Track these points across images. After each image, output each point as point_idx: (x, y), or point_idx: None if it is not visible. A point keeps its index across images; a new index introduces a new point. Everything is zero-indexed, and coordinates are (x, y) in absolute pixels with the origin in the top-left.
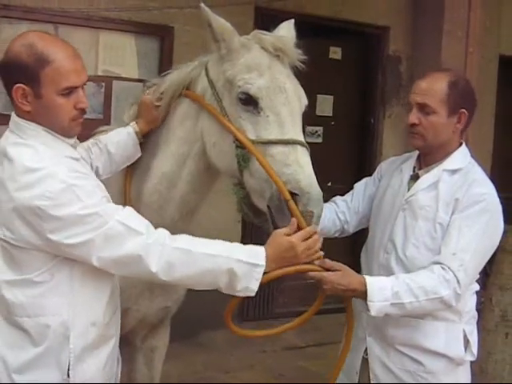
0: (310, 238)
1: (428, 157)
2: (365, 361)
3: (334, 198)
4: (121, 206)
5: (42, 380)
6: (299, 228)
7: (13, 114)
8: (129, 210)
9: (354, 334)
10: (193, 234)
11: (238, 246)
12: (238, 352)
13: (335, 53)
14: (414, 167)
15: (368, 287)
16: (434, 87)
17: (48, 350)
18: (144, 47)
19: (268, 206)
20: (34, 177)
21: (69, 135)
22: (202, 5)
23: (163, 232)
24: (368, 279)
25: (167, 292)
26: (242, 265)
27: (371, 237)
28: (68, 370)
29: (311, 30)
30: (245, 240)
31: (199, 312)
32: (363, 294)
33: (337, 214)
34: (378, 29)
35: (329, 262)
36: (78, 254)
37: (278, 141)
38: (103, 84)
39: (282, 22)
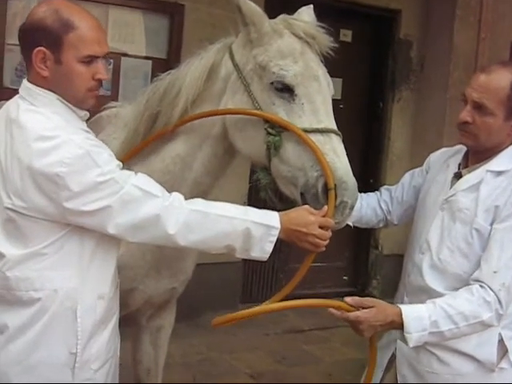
0: (326, 229)
1: (476, 155)
2: (391, 359)
3: (380, 188)
4: (133, 172)
5: (48, 357)
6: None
7: (24, 81)
8: (142, 175)
9: (386, 335)
10: None
11: (252, 209)
12: (241, 334)
13: (346, 35)
14: (460, 164)
15: (404, 318)
16: (494, 85)
17: (54, 324)
18: (153, 24)
19: (302, 194)
20: (50, 144)
21: (82, 106)
22: None
23: (178, 195)
24: (404, 310)
25: (174, 273)
26: (257, 226)
27: (412, 232)
28: (76, 345)
29: (322, 12)
30: None
31: (202, 293)
32: (400, 325)
33: (379, 203)
34: (390, 12)
35: (358, 299)
36: (94, 222)
37: (313, 129)
38: (111, 61)
39: (293, 5)
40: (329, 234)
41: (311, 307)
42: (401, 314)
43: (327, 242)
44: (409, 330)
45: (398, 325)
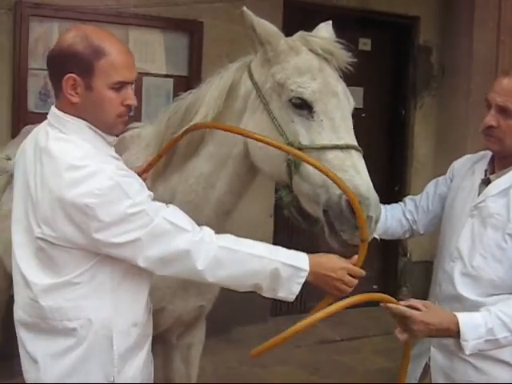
0: (355, 276)
1: (503, 160)
2: (425, 369)
3: (404, 198)
4: (164, 204)
5: None
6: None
7: (53, 108)
8: (173, 207)
9: (418, 344)
10: (226, 231)
11: (281, 249)
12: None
13: (365, 44)
14: (486, 170)
15: (461, 326)
16: None
17: (90, 353)
18: (173, 43)
19: (325, 211)
20: (81, 174)
21: (111, 132)
22: (245, 8)
23: (208, 230)
24: (460, 318)
25: (201, 292)
26: (286, 267)
27: (440, 241)
28: (113, 373)
29: (341, 21)
30: (277, 235)
31: (231, 308)
32: (456, 333)
33: (404, 214)
34: (409, 19)
35: (413, 301)
36: (124, 254)
37: (332, 146)
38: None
39: (312, 14)
40: (356, 281)
41: (352, 305)
42: (457, 322)
43: (352, 288)
44: (466, 338)
45: (454, 333)
